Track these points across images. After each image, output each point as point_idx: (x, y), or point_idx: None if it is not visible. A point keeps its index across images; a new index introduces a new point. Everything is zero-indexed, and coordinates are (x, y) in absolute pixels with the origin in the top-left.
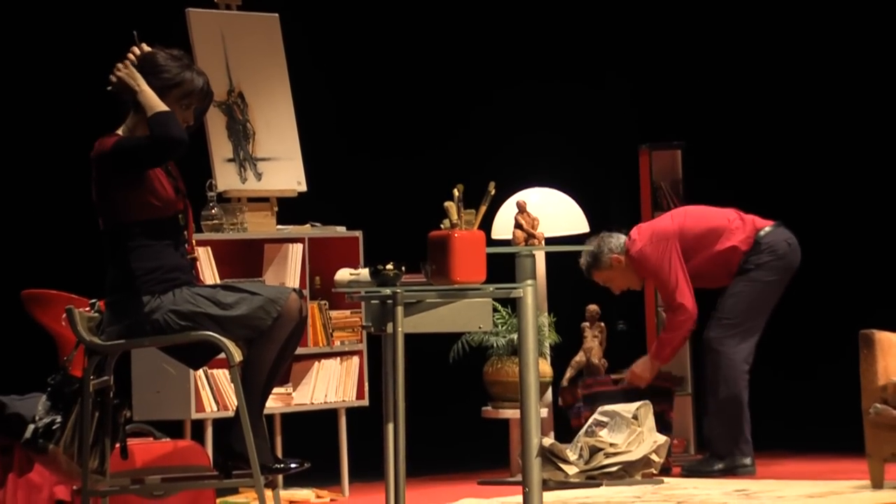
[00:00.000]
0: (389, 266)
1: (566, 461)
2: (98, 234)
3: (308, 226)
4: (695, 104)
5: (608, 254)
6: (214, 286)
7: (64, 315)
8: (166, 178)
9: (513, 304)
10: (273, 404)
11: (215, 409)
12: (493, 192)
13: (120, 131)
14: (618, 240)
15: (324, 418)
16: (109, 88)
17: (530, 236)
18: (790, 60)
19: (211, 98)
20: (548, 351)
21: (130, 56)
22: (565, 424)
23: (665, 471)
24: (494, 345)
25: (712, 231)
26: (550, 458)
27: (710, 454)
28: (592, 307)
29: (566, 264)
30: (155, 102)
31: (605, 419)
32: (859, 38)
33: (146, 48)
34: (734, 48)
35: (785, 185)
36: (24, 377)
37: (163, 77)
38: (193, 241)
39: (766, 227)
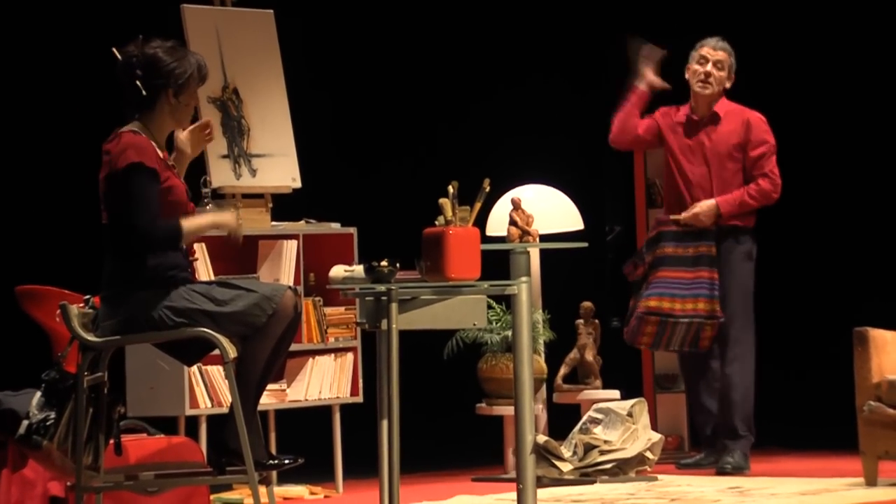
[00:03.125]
0: (384, 263)
1: (560, 458)
2: (96, 229)
3: (302, 222)
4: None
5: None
6: (210, 283)
7: (58, 311)
8: (180, 181)
9: (507, 301)
10: (267, 401)
11: (209, 405)
12: (487, 188)
13: (135, 127)
14: None
15: (318, 415)
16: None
17: (525, 233)
18: (786, 54)
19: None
20: (542, 348)
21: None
22: (560, 421)
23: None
24: (489, 341)
25: None
26: (545, 454)
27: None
28: (587, 304)
29: (561, 261)
30: (196, 227)
31: (599, 416)
32: (860, 34)
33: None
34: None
35: (785, 184)
36: (18, 373)
37: (179, 77)
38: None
39: None
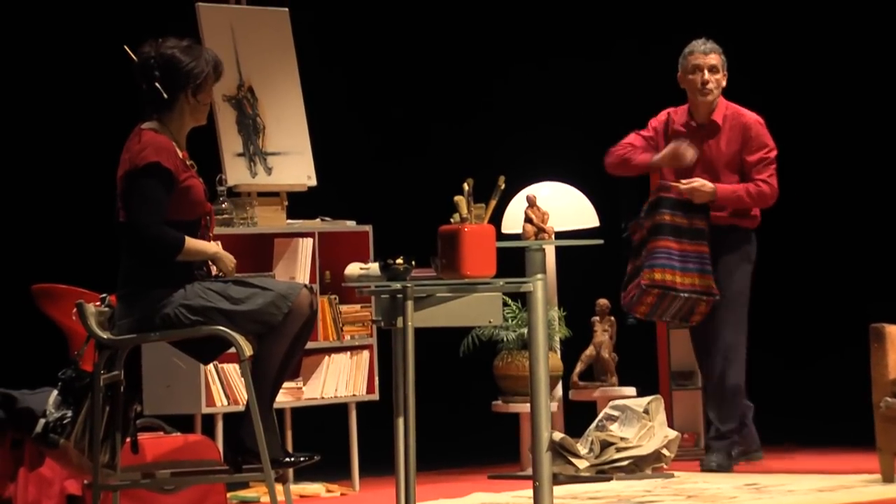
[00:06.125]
0: (399, 260)
1: (577, 455)
2: (113, 227)
3: (318, 220)
4: None
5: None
6: (226, 281)
7: (74, 309)
8: (199, 180)
9: (523, 299)
10: (283, 398)
11: (226, 403)
12: (502, 186)
13: (155, 126)
14: None
15: (334, 412)
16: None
17: (540, 230)
18: (802, 48)
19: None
20: (558, 345)
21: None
22: (576, 418)
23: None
24: (504, 339)
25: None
26: (561, 452)
27: (724, 439)
28: (602, 301)
29: (576, 258)
30: (197, 251)
31: (616, 413)
32: (868, 24)
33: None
34: (743, 38)
35: (794, 174)
36: (34, 372)
37: (196, 76)
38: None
39: None
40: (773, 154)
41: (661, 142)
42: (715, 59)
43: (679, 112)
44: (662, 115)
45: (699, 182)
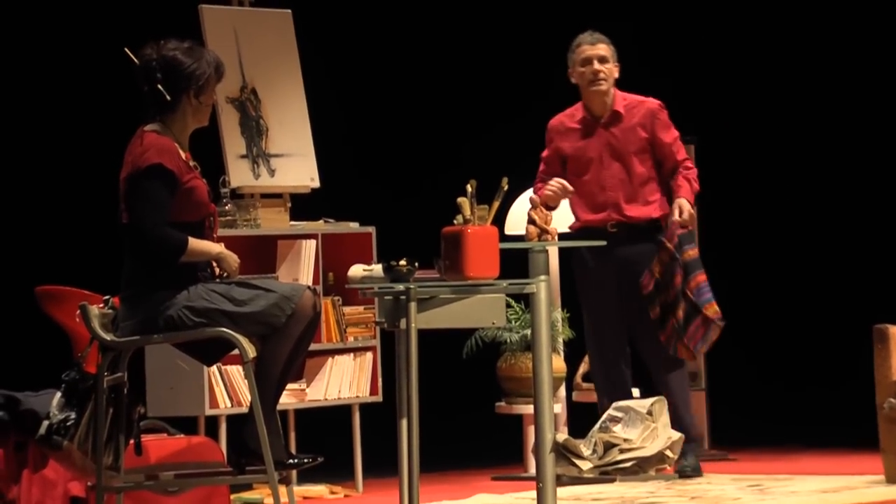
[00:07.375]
0: (402, 262)
1: (580, 456)
2: (116, 229)
3: (321, 222)
4: (709, 99)
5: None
6: (229, 283)
7: (78, 311)
8: (202, 181)
9: (526, 300)
10: (287, 400)
11: (229, 405)
12: (506, 187)
13: (158, 128)
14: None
15: (337, 414)
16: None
17: (543, 232)
18: (803, 55)
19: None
20: (561, 346)
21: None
22: (579, 420)
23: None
24: (508, 340)
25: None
26: (564, 453)
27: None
28: None
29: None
30: (201, 251)
31: (619, 414)
32: (871, 33)
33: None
34: (746, 43)
35: (799, 180)
36: (38, 374)
37: (199, 78)
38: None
39: None
40: (674, 130)
41: (560, 144)
42: (604, 49)
43: (569, 112)
44: (550, 131)
45: (685, 205)
